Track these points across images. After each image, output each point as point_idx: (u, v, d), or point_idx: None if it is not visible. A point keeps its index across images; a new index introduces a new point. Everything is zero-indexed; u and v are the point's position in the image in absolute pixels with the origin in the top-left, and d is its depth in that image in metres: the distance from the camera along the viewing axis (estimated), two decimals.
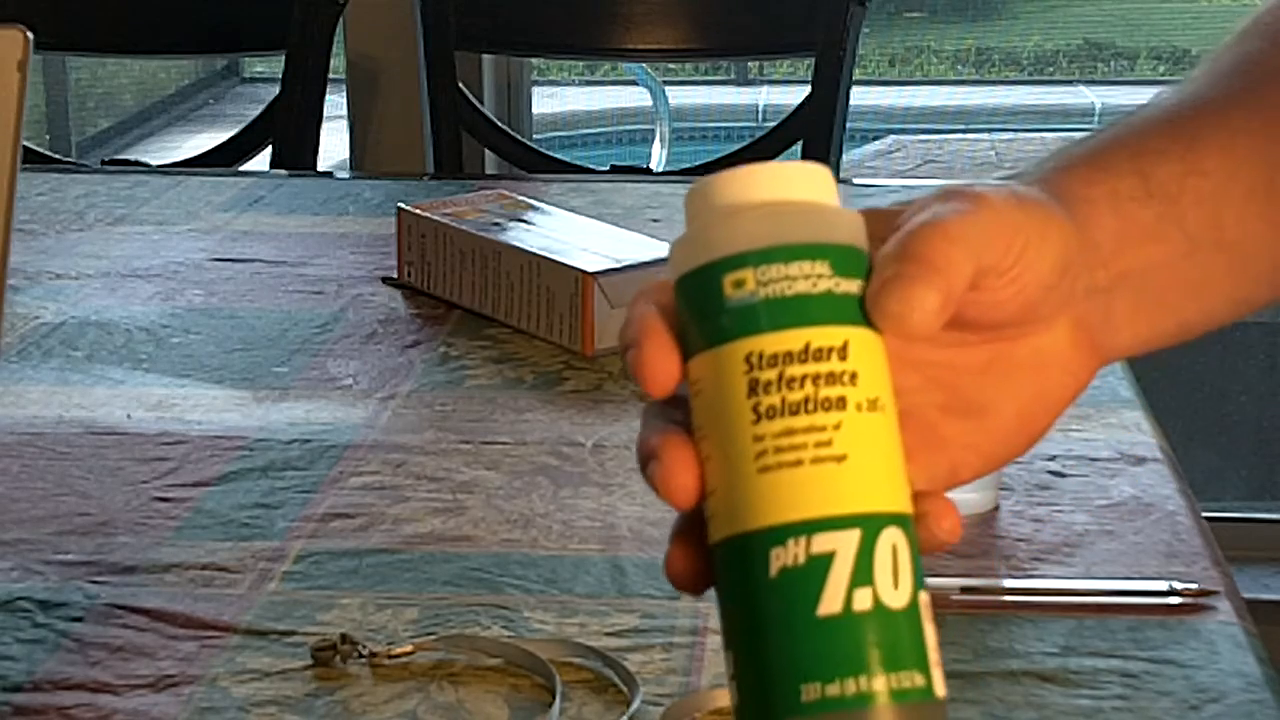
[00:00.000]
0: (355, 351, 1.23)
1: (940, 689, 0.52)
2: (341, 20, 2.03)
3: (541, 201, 1.37)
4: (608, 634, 0.85)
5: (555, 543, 0.95)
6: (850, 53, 1.99)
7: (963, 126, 4.71)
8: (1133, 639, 0.85)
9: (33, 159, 1.94)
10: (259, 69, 4.38)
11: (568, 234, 1.28)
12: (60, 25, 2.06)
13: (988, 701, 0.79)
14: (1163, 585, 0.88)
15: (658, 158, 4.21)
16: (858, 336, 0.53)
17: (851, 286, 0.53)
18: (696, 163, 2.10)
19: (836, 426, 0.52)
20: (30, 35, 0.89)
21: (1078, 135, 0.64)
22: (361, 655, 0.82)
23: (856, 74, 2.05)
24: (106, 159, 2.00)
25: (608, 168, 1.98)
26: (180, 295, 1.35)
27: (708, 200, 0.55)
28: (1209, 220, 0.61)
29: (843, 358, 0.52)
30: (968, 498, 0.97)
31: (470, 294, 1.29)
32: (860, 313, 0.53)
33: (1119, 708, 0.79)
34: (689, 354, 0.54)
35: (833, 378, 0.52)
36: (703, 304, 0.53)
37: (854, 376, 0.52)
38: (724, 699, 0.79)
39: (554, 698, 0.79)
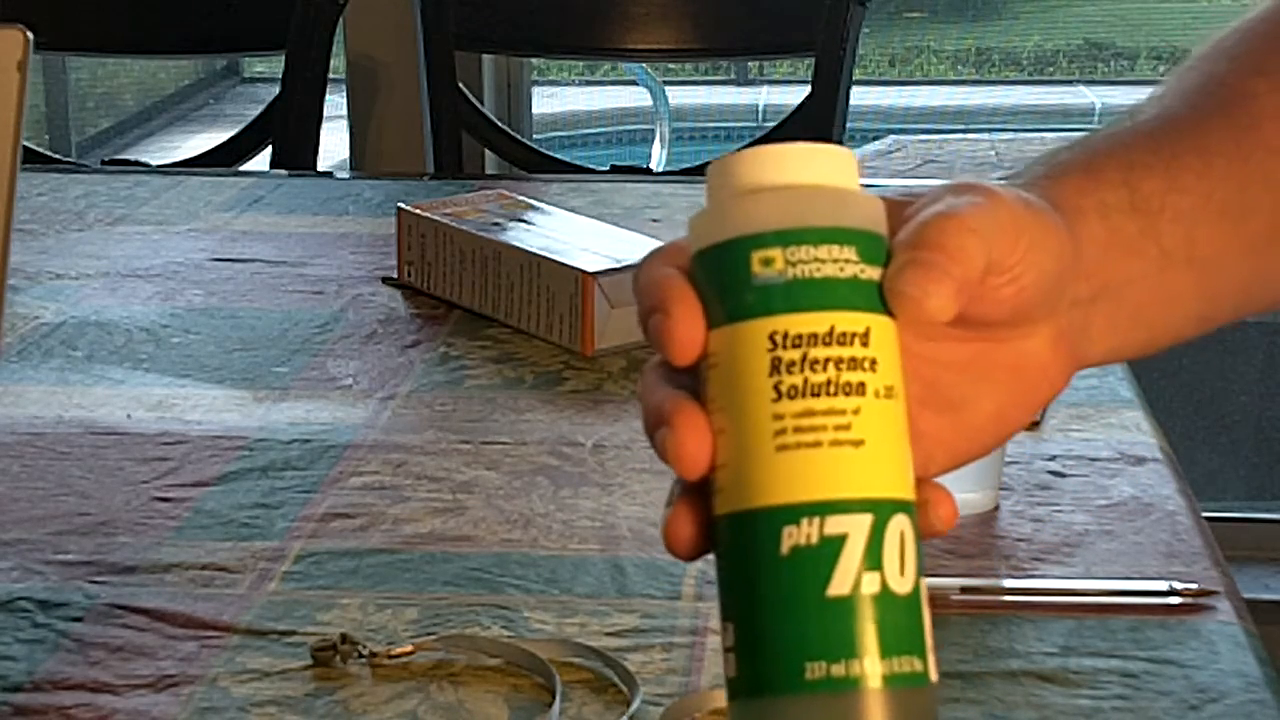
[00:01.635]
0: (355, 351, 1.23)
1: (934, 674, 0.53)
2: (341, 20, 2.03)
3: (541, 201, 1.37)
4: (608, 634, 0.85)
5: (555, 543, 0.95)
6: (850, 53, 1.99)
7: (963, 126, 4.71)
8: (1133, 639, 0.85)
9: (33, 159, 1.94)
10: (259, 69, 4.38)
11: (568, 234, 1.28)
12: (60, 25, 2.06)
13: (988, 701, 0.79)
14: (1163, 585, 0.88)
15: (658, 158, 4.21)
16: (878, 324, 0.54)
17: (874, 273, 0.54)
18: (696, 163, 2.10)
19: (856, 411, 0.52)
20: (30, 35, 0.89)
21: (1075, 136, 0.64)
22: (361, 655, 0.82)
23: (856, 74, 2.05)
24: (106, 159, 2.00)
25: (608, 168, 1.98)
26: (180, 295, 1.35)
27: (735, 176, 0.55)
28: (1183, 237, 0.62)
29: (865, 344, 0.53)
30: (968, 498, 0.97)
31: (470, 294, 1.29)
32: (879, 300, 0.54)
33: (1119, 708, 0.79)
34: (707, 326, 0.54)
35: (855, 363, 0.53)
36: (727, 278, 0.54)
37: (874, 363, 0.53)
38: (724, 699, 0.79)
39: (554, 698, 0.79)
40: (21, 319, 1.29)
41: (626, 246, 1.25)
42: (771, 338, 0.53)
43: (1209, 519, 0.98)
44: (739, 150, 0.55)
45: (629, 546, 0.94)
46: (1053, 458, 1.05)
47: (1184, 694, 0.80)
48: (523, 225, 1.30)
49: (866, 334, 0.53)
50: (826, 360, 0.53)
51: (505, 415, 1.12)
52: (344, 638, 0.82)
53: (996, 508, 0.98)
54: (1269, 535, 2.51)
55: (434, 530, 0.96)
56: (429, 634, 0.85)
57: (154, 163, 1.93)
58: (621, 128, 4.85)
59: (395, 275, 1.36)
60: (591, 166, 2.02)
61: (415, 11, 2.09)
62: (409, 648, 0.83)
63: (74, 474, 1.03)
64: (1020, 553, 0.94)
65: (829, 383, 0.52)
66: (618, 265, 1.21)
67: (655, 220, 1.52)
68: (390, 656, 0.82)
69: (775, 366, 0.53)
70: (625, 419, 1.11)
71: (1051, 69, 4.82)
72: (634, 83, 4.43)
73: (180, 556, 0.93)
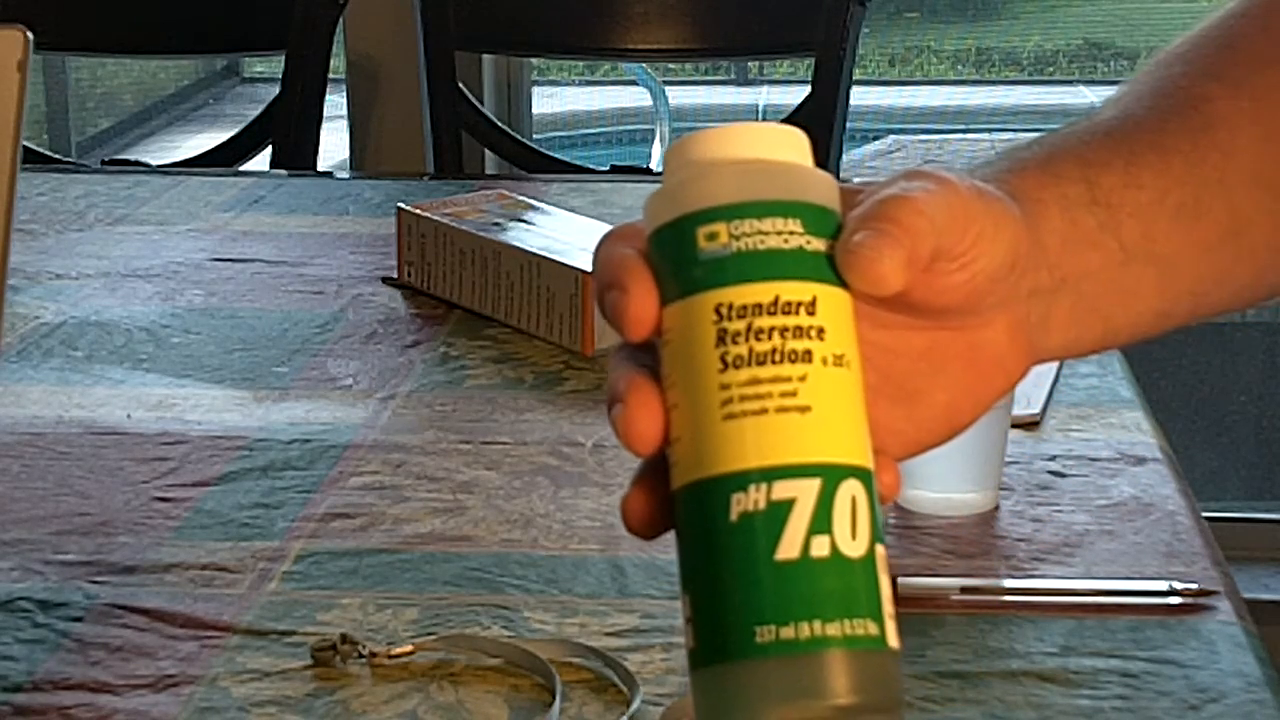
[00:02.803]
0: (355, 351, 1.23)
1: (893, 640, 0.53)
2: (341, 20, 2.03)
3: (541, 201, 1.37)
4: (608, 634, 0.85)
5: (555, 543, 0.95)
6: (850, 53, 1.99)
7: (963, 126, 4.71)
8: (1133, 639, 0.85)
9: (33, 159, 1.94)
10: (259, 69, 4.38)
11: (568, 234, 1.28)
12: (60, 25, 2.06)
13: (988, 701, 0.79)
14: (1163, 585, 0.88)
15: (658, 158, 4.21)
16: (826, 293, 0.54)
17: (821, 245, 0.54)
18: None
19: (802, 378, 0.53)
20: (30, 35, 0.89)
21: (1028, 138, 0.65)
22: (361, 655, 0.82)
23: (856, 74, 2.05)
24: (106, 159, 2.00)
25: (608, 168, 1.98)
26: (180, 295, 1.35)
27: (685, 156, 0.56)
28: (1142, 233, 0.63)
29: (810, 312, 0.53)
30: (968, 498, 0.97)
31: (470, 294, 1.29)
32: (830, 271, 0.54)
33: (1119, 708, 0.79)
34: (661, 304, 0.55)
35: (800, 331, 0.53)
36: (676, 255, 0.54)
37: (821, 331, 0.53)
38: None
39: (554, 698, 0.79)
40: (21, 319, 1.29)
41: None
42: (717, 310, 0.53)
43: (1209, 519, 0.98)
44: (692, 132, 0.56)
45: (629, 546, 0.94)
46: (1053, 458, 1.05)
47: (1184, 694, 0.80)
48: (523, 225, 1.30)
49: (813, 303, 0.53)
50: (771, 329, 0.53)
51: (505, 415, 1.12)
52: (344, 638, 0.82)
53: (996, 508, 0.98)
54: (1269, 535, 2.51)
55: (434, 530, 0.96)
56: (429, 634, 0.85)
57: (154, 163, 1.93)
58: (621, 128, 4.84)
59: (395, 275, 1.36)
60: (591, 166, 2.02)
61: (415, 11, 2.09)
62: (409, 648, 0.83)
63: (74, 474, 1.03)
64: (1020, 553, 0.94)
65: (774, 351, 0.53)
66: None
67: None
68: (390, 656, 0.82)
69: (721, 338, 0.53)
70: None
71: (1051, 69, 4.82)
72: (634, 83, 4.43)
73: (180, 556, 0.93)
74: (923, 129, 4.70)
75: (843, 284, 0.54)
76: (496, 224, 1.30)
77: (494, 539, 0.95)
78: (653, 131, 4.33)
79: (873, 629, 0.52)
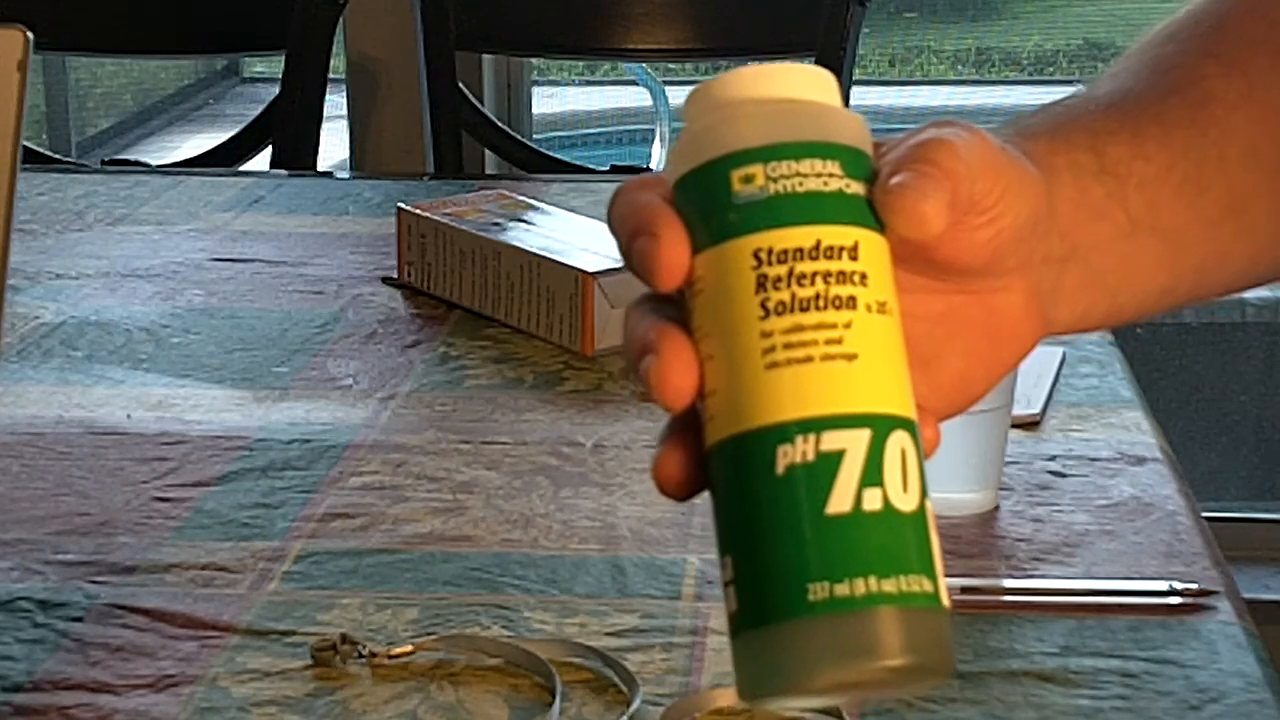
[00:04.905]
0: (355, 351, 1.23)
1: (945, 599, 0.51)
2: (341, 20, 2.03)
3: (541, 201, 1.37)
4: (608, 634, 0.85)
5: (555, 543, 0.95)
6: (850, 53, 1.99)
7: None
8: (1133, 639, 0.85)
9: (33, 159, 1.94)
10: (259, 69, 4.38)
11: (568, 234, 1.28)
12: (60, 25, 2.06)
13: (988, 701, 0.79)
14: (1163, 585, 0.88)
15: (658, 158, 4.21)
16: (867, 238, 0.52)
17: (860, 188, 0.53)
18: None
19: (847, 325, 0.51)
20: (30, 35, 0.89)
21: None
22: (361, 655, 0.82)
23: (856, 74, 2.05)
24: (106, 159, 2.00)
25: (608, 168, 1.98)
26: (180, 295, 1.35)
27: (711, 98, 0.54)
28: (1148, 204, 0.63)
29: (853, 257, 0.52)
30: (968, 498, 0.97)
31: (470, 294, 1.29)
32: (869, 215, 0.52)
33: (1119, 708, 0.79)
34: (692, 252, 0.52)
35: (844, 276, 0.51)
36: (708, 200, 0.52)
37: (864, 277, 0.52)
38: (724, 699, 0.79)
39: (554, 698, 0.79)
40: (21, 319, 1.29)
41: None
42: (756, 255, 0.51)
43: (1209, 519, 0.98)
44: (716, 75, 0.54)
45: (629, 546, 0.94)
46: (1053, 458, 1.05)
47: (1184, 694, 0.80)
48: (523, 225, 1.30)
49: (855, 247, 0.52)
50: (814, 274, 0.51)
51: (505, 415, 1.12)
52: (344, 638, 0.82)
53: (996, 508, 0.98)
54: (1269, 535, 2.51)
55: (434, 530, 0.96)
56: (429, 634, 0.85)
57: (154, 163, 1.93)
58: (621, 128, 4.84)
59: (395, 275, 1.36)
60: (591, 166, 2.02)
61: (415, 11, 2.09)
62: (409, 648, 0.83)
63: (74, 474, 1.03)
64: (1020, 553, 0.94)
65: (817, 296, 0.51)
66: (618, 265, 1.21)
67: None
68: (390, 656, 0.82)
69: (761, 284, 0.51)
70: (625, 419, 1.11)
71: (1051, 69, 4.82)
72: (634, 83, 4.43)
73: (180, 556, 0.93)
74: None
75: (880, 229, 0.53)
76: (496, 224, 1.30)
77: (494, 539, 0.95)
78: (653, 131, 4.33)
79: (927, 585, 0.50)
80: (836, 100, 0.54)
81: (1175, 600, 0.87)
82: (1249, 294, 0.72)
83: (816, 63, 1.98)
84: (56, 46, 2.21)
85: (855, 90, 2.05)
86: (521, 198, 1.36)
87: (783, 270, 0.51)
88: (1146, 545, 0.94)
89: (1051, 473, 1.03)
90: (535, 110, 2.57)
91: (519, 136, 2.15)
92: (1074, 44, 4.92)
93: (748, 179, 0.52)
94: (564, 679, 0.80)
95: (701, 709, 0.79)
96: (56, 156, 2.09)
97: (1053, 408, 1.12)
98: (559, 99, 4.71)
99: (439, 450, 1.07)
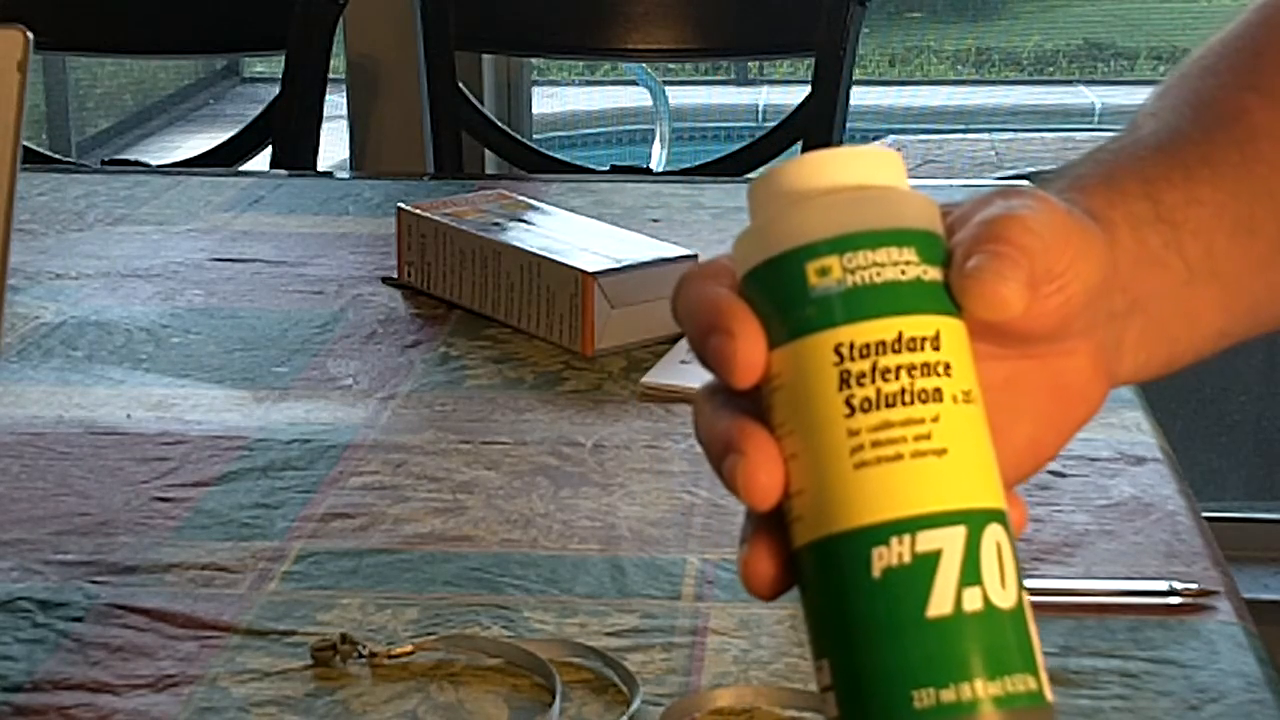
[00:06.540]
0: (355, 351, 1.23)
1: (1049, 694, 0.50)
2: (341, 20, 2.03)
3: (541, 201, 1.37)
4: (608, 634, 0.85)
5: (555, 543, 0.95)
6: (850, 53, 1.99)
7: (963, 126, 4.71)
8: (1133, 639, 0.85)
9: (33, 159, 1.94)
10: (259, 69, 4.38)
11: (568, 234, 1.28)
12: (60, 25, 2.06)
13: None
14: (1163, 585, 0.88)
15: (658, 158, 4.21)
16: (947, 325, 0.51)
17: (936, 274, 0.51)
18: (696, 162, 2.10)
19: (935, 419, 0.50)
20: (30, 35, 0.89)
21: (1077, 136, 0.64)
22: (361, 655, 0.82)
23: (856, 74, 2.05)
24: (106, 159, 2.00)
25: (608, 168, 1.98)
26: (180, 295, 1.35)
27: (777, 188, 0.52)
28: (1204, 250, 0.61)
29: (936, 347, 0.50)
30: None
31: (470, 294, 1.29)
32: (946, 300, 0.51)
33: (1119, 708, 0.79)
34: (768, 347, 0.51)
35: (928, 368, 0.50)
36: (782, 294, 0.51)
37: (948, 367, 0.51)
38: (724, 699, 0.79)
39: (554, 698, 0.79)
40: (21, 319, 1.29)
41: (626, 246, 1.25)
42: (837, 350, 0.50)
43: (1209, 519, 0.98)
44: (779, 163, 0.53)
45: (629, 546, 0.94)
46: None
47: (1184, 694, 0.80)
48: (523, 225, 1.30)
49: (937, 337, 0.50)
50: (898, 368, 0.50)
51: (505, 415, 1.12)
52: (344, 638, 0.82)
53: None
54: (1269, 535, 2.51)
55: (434, 530, 0.96)
56: (429, 634, 0.85)
57: (154, 163, 1.93)
58: (621, 128, 4.84)
59: (395, 275, 1.36)
60: (591, 166, 2.02)
61: (415, 11, 2.09)
62: (409, 648, 0.83)
63: (74, 474, 1.03)
64: (1020, 553, 0.93)
65: (903, 391, 0.50)
66: (618, 265, 1.21)
67: (655, 220, 1.52)
68: (390, 656, 0.82)
69: (844, 380, 0.50)
70: (625, 419, 1.11)
71: (1051, 69, 4.82)
72: (634, 83, 4.43)
73: (180, 556, 0.93)
74: (923, 129, 4.70)
75: (958, 312, 0.51)
76: (496, 224, 1.30)
77: (494, 539, 0.95)
78: (653, 131, 4.34)
79: (1031, 684, 0.50)
80: (905, 181, 0.53)
81: (1175, 600, 0.87)
82: None
83: (816, 63, 2.00)
84: (56, 46, 2.21)
85: (855, 90, 2.05)
86: (521, 198, 1.36)
87: (866, 365, 0.50)
88: (1146, 545, 0.94)
89: (1051, 473, 1.03)
90: (535, 110, 2.57)
91: (519, 136, 2.15)
92: (1074, 44, 4.92)
93: (824, 271, 0.51)
94: (564, 679, 0.80)
95: (701, 709, 0.79)
96: (56, 156, 2.09)
97: None
98: (559, 99, 4.72)
99: (439, 450, 1.07)
